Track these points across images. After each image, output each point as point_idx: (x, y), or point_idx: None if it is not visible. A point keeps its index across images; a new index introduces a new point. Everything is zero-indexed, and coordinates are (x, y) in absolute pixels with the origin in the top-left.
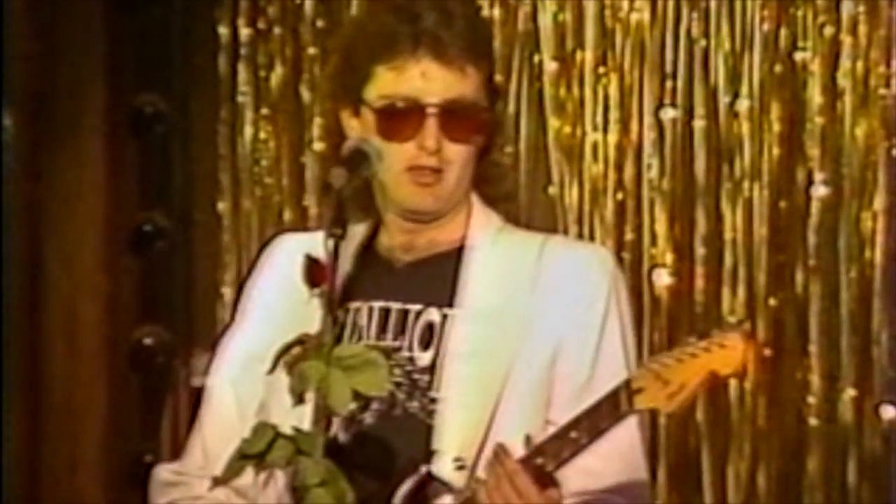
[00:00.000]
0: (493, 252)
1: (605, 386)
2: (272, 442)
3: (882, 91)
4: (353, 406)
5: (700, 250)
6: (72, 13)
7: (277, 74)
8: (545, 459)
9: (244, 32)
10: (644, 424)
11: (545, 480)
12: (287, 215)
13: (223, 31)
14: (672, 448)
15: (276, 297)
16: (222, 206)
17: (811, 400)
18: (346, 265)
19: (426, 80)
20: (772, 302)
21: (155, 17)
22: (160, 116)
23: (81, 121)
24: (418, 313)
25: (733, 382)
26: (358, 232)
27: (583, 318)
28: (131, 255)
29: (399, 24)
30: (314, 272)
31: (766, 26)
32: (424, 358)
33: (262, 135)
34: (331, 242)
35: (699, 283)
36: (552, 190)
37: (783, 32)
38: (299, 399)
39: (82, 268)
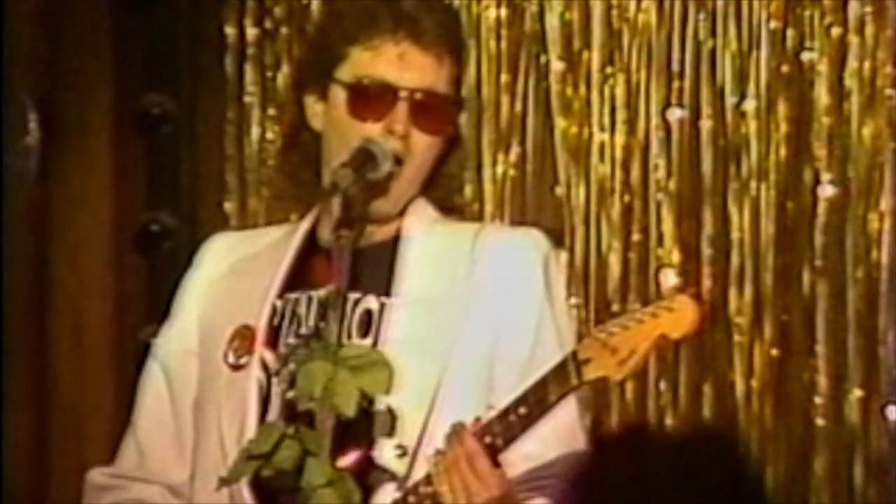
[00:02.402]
0: (429, 241)
1: (545, 367)
2: (279, 442)
3: (889, 91)
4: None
5: (707, 250)
6: (78, 13)
7: (284, 74)
8: (494, 438)
9: (251, 32)
10: (584, 401)
11: (495, 460)
12: (293, 215)
13: (230, 31)
14: None
15: (207, 294)
16: (229, 206)
17: (818, 400)
18: (289, 258)
19: (403, 62)
20: (778, 302)
21: (161, 17)
22: (167, 116)
23: (88, 121)
24: (356, 301)
25: (739, 383)
26: (302, 227)
27: (519, 301)
28: (138, 254)
29: (378, 5)
30: None
31: (772, 26)
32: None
33: (269, 135)
34: (340, 243)
35: (706, 283)
36: (559, 190)
37: (790, 33)
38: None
39: (89, 268)
